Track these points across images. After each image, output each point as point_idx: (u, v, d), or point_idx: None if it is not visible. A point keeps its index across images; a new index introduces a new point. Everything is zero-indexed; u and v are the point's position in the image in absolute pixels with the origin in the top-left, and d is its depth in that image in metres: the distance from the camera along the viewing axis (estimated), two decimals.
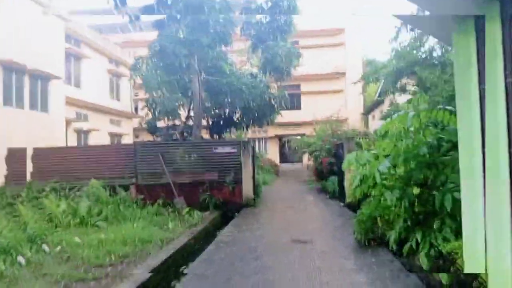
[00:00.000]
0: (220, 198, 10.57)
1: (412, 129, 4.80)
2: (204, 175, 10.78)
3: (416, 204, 4.96)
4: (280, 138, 28.67)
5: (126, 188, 10.45)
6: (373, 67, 15.78)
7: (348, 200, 9.93)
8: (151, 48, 12.68)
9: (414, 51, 11.26)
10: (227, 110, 15.16)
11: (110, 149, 12.75)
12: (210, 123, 15.53)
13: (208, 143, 12.25)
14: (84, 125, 19.14)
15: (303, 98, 28.94)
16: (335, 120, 18.96)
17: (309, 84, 28.40)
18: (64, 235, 6.76)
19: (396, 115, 4.71)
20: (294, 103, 26.54)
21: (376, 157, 5.23)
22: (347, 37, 28.29)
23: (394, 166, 4.96)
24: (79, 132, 18.93)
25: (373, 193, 5.75)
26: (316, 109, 22.85)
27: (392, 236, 5.12)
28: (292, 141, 22.55)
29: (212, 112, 15.05)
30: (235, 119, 15.39)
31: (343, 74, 27.86)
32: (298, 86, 28.22)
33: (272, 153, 28.74)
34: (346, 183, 10.10)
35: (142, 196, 10.12)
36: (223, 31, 11.38)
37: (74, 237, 6.62)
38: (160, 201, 9.75)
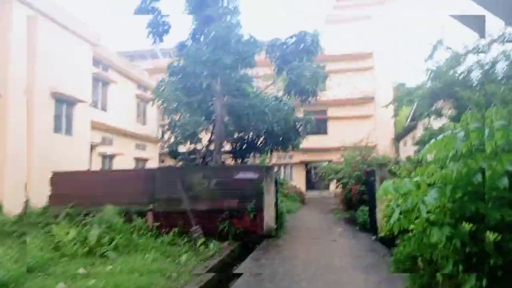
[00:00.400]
0: (240, 227, 9.89)
1: (459, 153, 4.03)
2: (224, 202, 10.18)
3: (468, 243, 4.12)
4: (306, 164, 27.77)
5: (143, 214, 10.01)
6: (404, 90, 14.95)
7: (381, 233, 8.95)
8: (169, 68, 12.42)
9: (452, 71, 10.45)
10: (250, 134, 14.63)
11: (129, 174, 12.43)
12: (233, 147, 15.02)
13: (229, 168, 11.69)
14: (109, 149, 19.14)
15: (330, 124, 28.13)
16: (364, 146, 18.03)
17: (336, 109, 27.66)
18: (68, 266, 6.28)
19: (441, 136, 3.96)
20: (320, 129, 25.74)
21: (418, 186, 4.43)
22: (376, 61, 27.58)
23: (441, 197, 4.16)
24: (104, 156, 18.94)
25: (412, 228, 4.91)
26: (344, 135, 21.98)
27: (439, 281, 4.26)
28: (319, 168, 21.61)
29: (235, 136, 14.57)
30: (258, 144, 14.81)
31: (372, 99, 26.99)
32: (325, 111, 27.53)
33: (298, 179, 27.79)
34: (378, 214, 9.16)
35: (158, 224, 9.62)
36: (245, 50, 10.94)
37: (78, 269, 6.13)
38: (176, 229, 9.19)
